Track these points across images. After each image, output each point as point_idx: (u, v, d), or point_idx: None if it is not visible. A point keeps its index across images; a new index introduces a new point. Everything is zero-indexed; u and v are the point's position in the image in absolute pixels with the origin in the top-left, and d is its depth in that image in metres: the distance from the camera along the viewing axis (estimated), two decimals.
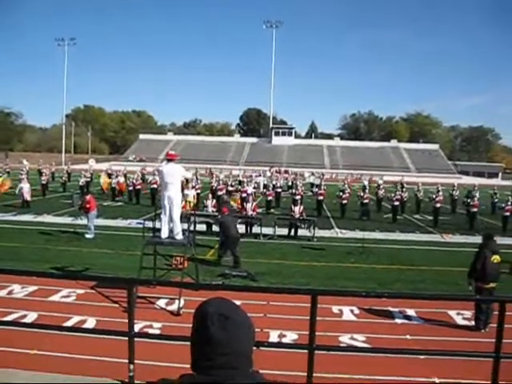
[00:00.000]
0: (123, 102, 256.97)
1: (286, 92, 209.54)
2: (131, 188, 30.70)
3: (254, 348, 1.67)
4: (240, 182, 33.97)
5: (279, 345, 7.48)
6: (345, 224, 23.16)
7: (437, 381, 6.89)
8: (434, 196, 25.27)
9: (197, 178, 29.87)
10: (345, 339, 8.52)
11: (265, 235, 18.79)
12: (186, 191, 22.57)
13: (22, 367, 6.67)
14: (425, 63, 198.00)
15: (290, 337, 8.46)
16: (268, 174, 46.85)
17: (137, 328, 6.99)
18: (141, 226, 15.56)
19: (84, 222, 18.71)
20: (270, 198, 28.24)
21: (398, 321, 9.77)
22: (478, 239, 11.59)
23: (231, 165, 75.44)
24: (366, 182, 38.32)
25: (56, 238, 17.47)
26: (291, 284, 11.96)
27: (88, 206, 17.77)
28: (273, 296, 9.82)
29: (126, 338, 3.98)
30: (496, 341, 3.96)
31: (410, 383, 6.92)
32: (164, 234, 10.81)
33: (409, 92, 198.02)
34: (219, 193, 27.92)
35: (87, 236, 17.48)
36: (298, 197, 23.63)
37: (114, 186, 31.87)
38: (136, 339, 4.07)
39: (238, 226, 20.00)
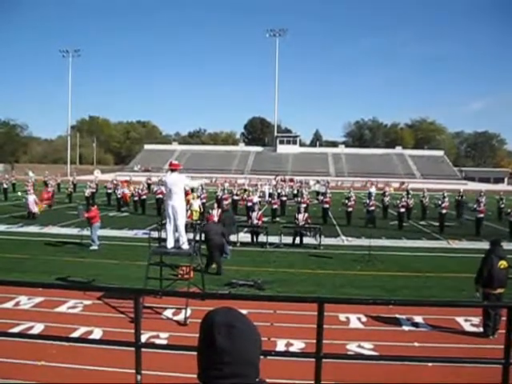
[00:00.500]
0: (128, 112, 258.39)
1: (290, 100, 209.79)
2: (136, 198, 30.75)
3: (261, 357, 1.67)
4: (245, 191, 33.98)
5: (286, 353, 7.46)
6: (351, 231, 23.12)
7: None
8: (440, 202, 25.19)
9: (202, 188, 29.88)
10: (352, 347, 8.47)
11: (271, 244, 18.76)
12: (191, 201, 22.63)
13: (30, 379, 6.69)
14: (429, 69, 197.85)
15: (297, 345, 8.43)
16: (273, 182, 46.84)
17: (143, 338, 6.99)
18: (147, 236, 15.59)
19: (89, 232, 18.74)
20: (275, 206, 28.19)
21: (406, 328, 9.72)
22: (485, 245, 11.56)
23: (236, 174, 75.49)
24: (371, 189, 38.26)
25: (62, 248, 17.51)
26: (298, 292, 11.92)
27: (92, 215, 17.76)
28: (280, 305, 9.82)
29: (133, 349, 3.98)
30: (505, 347, 3.93)
31: None
32: (170, 243, 10.82)
33: (413, 98, 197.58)
34: (224, 202, 27.98)
35: (91, 248, 17.50)
36: (303, 205, 23.59)
37: (119, 196, 31.90)
38: (143, 349, 4.06)
39: (245, 234, 20.13)
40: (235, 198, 31.42)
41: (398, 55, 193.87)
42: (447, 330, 9.53)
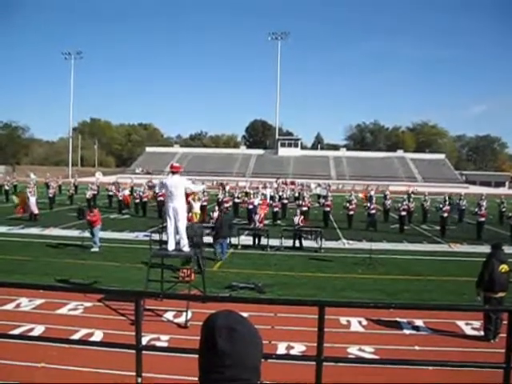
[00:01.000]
0: (129, 115, 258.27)
1: (291, 103, 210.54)
2: (138, 200, 30.78)
3: (262, 360, 1.67)
4: (246, 194, 33.98)
5: (287, 357, 7.45)
6: (352, 235, 23.11)
7: None
8: (441, 206, 25.17)
9: (203, 190, 29.85)
10: (353, 350, 8.47)
11: (272, 247, 18.77)
12: (192, 203, 22.62)
13: (31, 381, 6.69)
14: (430, 72, 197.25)
15: (298, 348, 8.43)
16: (274, 185, 46.82)
17: (144, 341, 6.99)
18: (148, 238, 15.59)
19: (90, 234, 18.72)
20: (276, 209, 28.19)
21: (407, 331, 9.71)
22: (486, 249, 11.54)
23: (237, 176, 75.50)
24: (372, 193, 38.25)
25: (63, 250, 17.53)
26: (298, 295, 11.90)
27: (94, 219, 17.76)
28: (280, 308, 9.82)
29: (134, 351, 3.97)
30: (506, 351, 3.92)
31: None
32: (171, 246, 10.84)
33: (414, 102, 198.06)
34: (225, 205, 27.97)
35: (93, 250, 17.51)
36: (304, 208, 23.58)
37: (120, 198, 31.91)
38: (144, 352, 4.06)
39: (246, 237, 20.16)
40: (236, 200, 31.44)
41: (400, 58, 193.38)
42: (448, 333, 9.52)
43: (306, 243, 19.37)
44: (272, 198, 34.16)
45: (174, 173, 10.78)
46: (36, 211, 25.99)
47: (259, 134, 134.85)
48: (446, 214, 24.58)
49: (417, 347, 8.74)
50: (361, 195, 35.85)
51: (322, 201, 32.74)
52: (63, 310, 10.40)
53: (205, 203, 27.12)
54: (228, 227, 17.03)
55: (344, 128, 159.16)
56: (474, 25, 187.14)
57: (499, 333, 8.83)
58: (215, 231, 17.07)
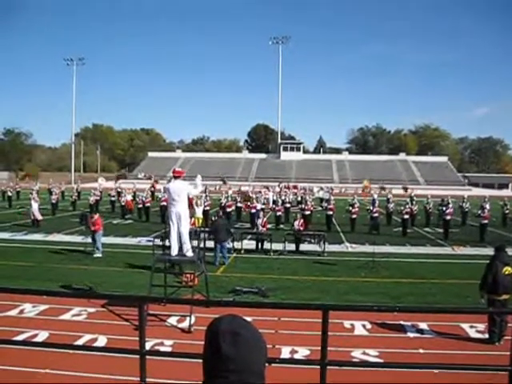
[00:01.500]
0: (132, 120, 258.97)
1: (293, 107, 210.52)
2: (141, 205, 30.79)
3: (266, 364, 1.67)
4: (249, 198, 33.95)
5: (291, 361, 7.44)
6: (355, 238, 23.09)
7: None
8: (444, 208, 25.12)
9: (206, 195, 29.87)
10: (357, 354, 8.45)
11: (275, 251, 18.76)
12: (195, 208, 22.65)
13: None
14: (432, 75, 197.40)
15: (302, 353, 8.41)
16: (277, 189, 46.83)
17: (148, 346, 6.98)
18: (150, 243, 15.59)
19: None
20: (279, 213, 28.16)
21: (411, 335, 9.68)
22: (489, 251, 11.52)
23: (240, 181, 75.52)
24: (375, 196, 38.21)
25: (66, 256, 17.54)
26: (302, 299, 11.90)
27: (96, 225, 17.78)
28: (284, 312, 9.80)
29: (138, 356, 3.97)
30: (511, 353, 3.90)
31: None
32: (174, 251, 10.83)
33: (416, 105, 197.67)
34: (228, 209, 27.97)
35: (95, 255, 17.52)
36: (307, 212, 23.54)
37: (122, 203, 31.96)
38: (147, 357, 4.06)
39: (249, 242, 20.17)
40: (239, 205, 31.46)
41: (401, 61, 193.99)
42: (452, 336, 9.50)
43: (309, 247, 19.37)
44: (275, 202, 34.18)
45: (176, 177, 10.78)
46: (39, 217, 26.03)
47: (261, 139, 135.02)
48: (449, 217, 24.54)
49: (421, 350, 8.71)
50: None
51: (324, 204, 32.77)
52: (67, 316, 10.40)
53: (207, 208, 27.11)
54: (226, 231, 17.02)
55: (346, 131, 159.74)
56: (476, 28, 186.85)
57: (504, 335, 8.80)
58: (213, 235, 17.07)
